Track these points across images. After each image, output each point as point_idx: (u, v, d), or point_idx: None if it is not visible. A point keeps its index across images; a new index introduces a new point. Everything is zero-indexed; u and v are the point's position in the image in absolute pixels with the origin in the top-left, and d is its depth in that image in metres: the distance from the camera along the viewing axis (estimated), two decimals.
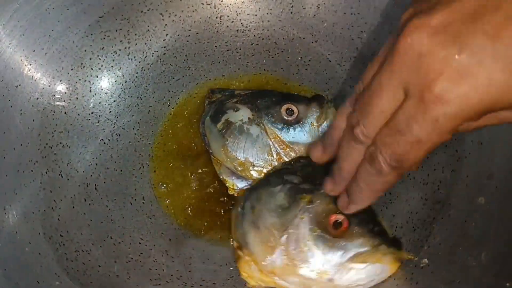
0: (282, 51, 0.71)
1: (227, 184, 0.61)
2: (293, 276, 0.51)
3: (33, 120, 0.59)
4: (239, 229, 0.56)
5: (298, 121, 0.62)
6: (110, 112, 0.66)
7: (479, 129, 0.39)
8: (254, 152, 0.61)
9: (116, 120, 0.66)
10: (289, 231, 0.51)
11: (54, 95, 0.62)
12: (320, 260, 0.49)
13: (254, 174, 0.60)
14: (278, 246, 0.51)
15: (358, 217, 0.51)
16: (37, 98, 0.60)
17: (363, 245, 0.49)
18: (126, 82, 0.67)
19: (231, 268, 0.57)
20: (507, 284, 0.41)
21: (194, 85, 0.70)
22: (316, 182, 0.54)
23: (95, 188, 0.61)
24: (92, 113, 0.64)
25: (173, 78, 0.70)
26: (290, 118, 0.62)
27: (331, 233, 0.50)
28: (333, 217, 0.51)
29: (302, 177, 0.56)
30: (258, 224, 0.53)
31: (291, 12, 0.70)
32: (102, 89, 0.66)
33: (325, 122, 0.63)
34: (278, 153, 0.61)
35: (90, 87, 0.65)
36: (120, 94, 0.67)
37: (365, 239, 0.49)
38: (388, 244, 0.49)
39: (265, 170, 0.60)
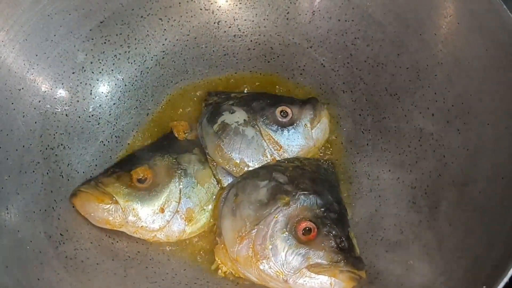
0: (278, 56, 0.72)
1: (222, 185, 0.62)
2: (252, 268, 0.53)
3: (35, 122, 0.60)
4: (219, 211, 0.59)
5: (292, 123, 0.64)
6: (110, 114, 0.67)
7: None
8: (249, 153, 0.62)
9: (116, 123, 0.67)
10: (260, 227, 0.54)
11: (56, 98, 0.63)
12: (280, 260, 0.52)
13: None
14: (247, 237, 0.54)
15: (329, 229, 0.53)
16: (39, 101, 0.61)
17: (324, 257, 0.51)
18: (125, 85, 0.69)
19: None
20: (484, 287, 0.43)
21: (192, 89, 0.71)
22: (300, 186, 0.56)
23: None
24: (92, 115, 0.66)
25: (172, 82, 0.71)
26: (284, 120, 0.64)
27: (298, 238, 0.53)
28: (304, 224, 0.53)
29: (289, 177, 0.58)
30: (235, 212, 0.56)
31: (287, 19, 0.71)
32: (102, 92, 0.67)
33: (318, 124, 0.64)
34: (272, 154, 0.62)
35: (91, 90, 0.66)
36: (120, 97, 0.68)
37: (327, 253, 0.52)
38: (348, 262, 0.51)
39: None
